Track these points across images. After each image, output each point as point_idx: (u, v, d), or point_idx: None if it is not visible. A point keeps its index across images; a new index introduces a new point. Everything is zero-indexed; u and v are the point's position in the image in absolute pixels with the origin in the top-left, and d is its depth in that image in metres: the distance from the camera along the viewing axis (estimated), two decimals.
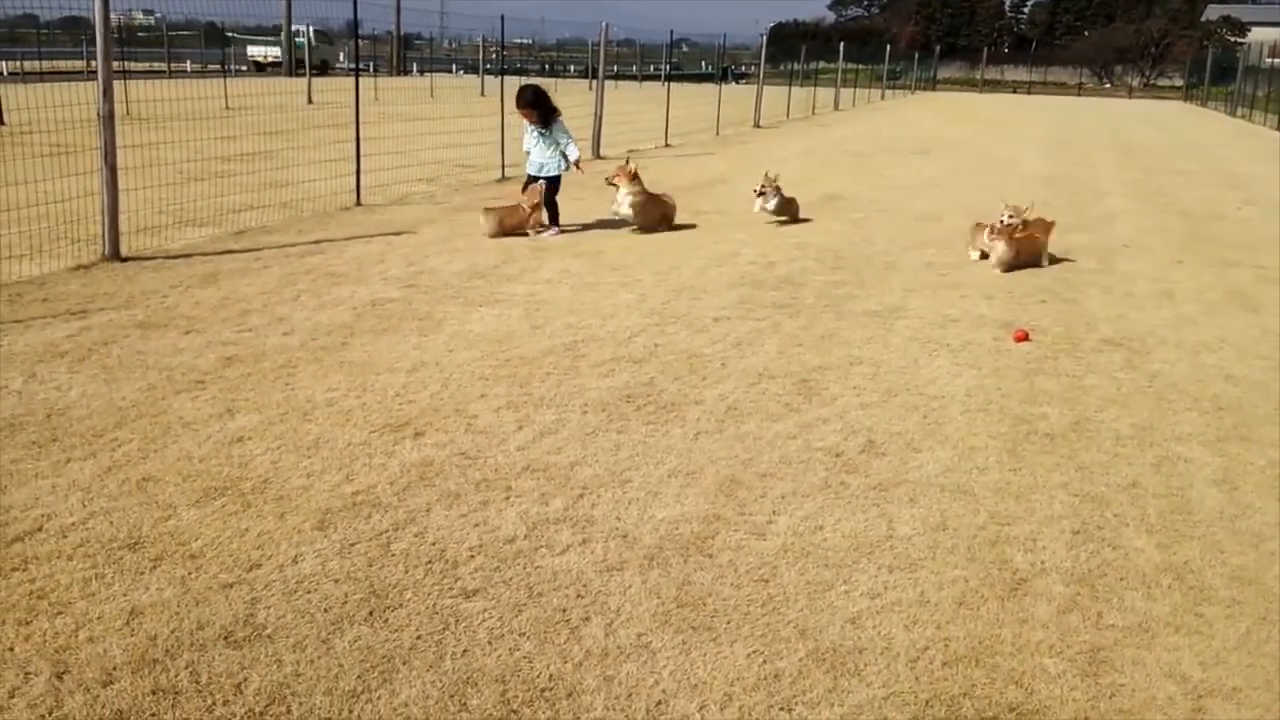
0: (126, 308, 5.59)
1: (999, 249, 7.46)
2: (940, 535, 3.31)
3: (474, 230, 8.16)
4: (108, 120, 6.66)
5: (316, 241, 7.39)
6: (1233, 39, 67.30)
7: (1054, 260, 7.80)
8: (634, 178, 8.25)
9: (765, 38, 24.57)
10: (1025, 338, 5.62)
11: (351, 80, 9.73)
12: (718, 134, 19.14)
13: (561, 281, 6.55)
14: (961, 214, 10.23)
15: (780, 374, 4.90)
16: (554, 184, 8.51)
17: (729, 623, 2.77)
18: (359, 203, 9.09)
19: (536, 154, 8.46)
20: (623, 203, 8.19)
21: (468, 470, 3.70)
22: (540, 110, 8.35)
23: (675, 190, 11.14)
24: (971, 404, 4.58)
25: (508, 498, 3.50)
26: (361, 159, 9.30)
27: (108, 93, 6.65)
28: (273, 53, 41.45)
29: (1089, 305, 6.33)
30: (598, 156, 14.00)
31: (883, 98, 41.15)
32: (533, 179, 8.49)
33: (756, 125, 21.79)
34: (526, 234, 8.14)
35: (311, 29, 37.48)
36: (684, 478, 3.70)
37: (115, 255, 6.70)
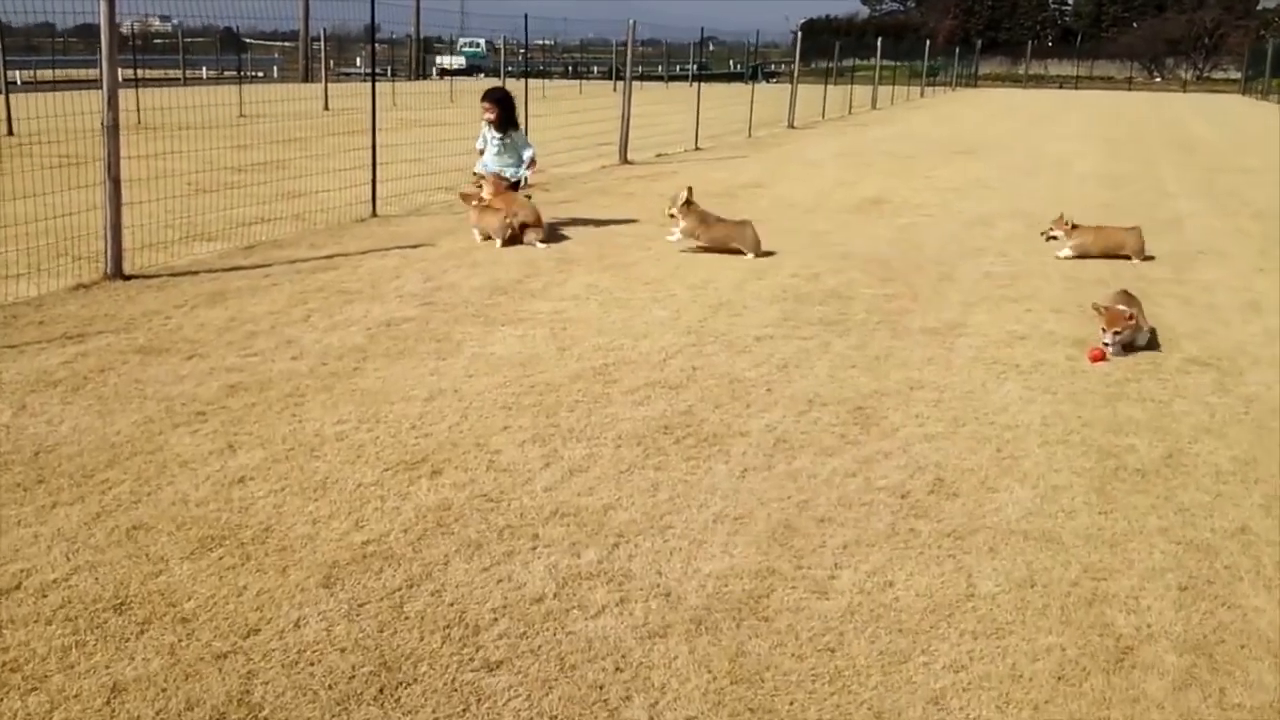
0: (126, 331, 5.41)
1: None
2: (1028, 593, 3.01)
3: (494, 244, 7.94)
4: (111, 131, 6.51)
5: (329, 256, 7.20)
6: None
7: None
8: (690, 206, 7.80)
9: (799, 34, 24.27)
10: (1102, 357, 5.29)
11: (368, 85, 9.57)
12: (750, 136, 18.87)
13: (589, 297, 6.30)
14: (1015, 218, 9.89)
15: (833, 400, 4.61)
16: (515, 189, 8.46)
17: (793, 703, 2.49)
18: (374, 214, 8.91)
19: (489, 157, 8.44)
20: (681, 236, 7.80)
21: (489, 515, 3.45)
22: (502, 111, 8.38)
23: (708, 197, 10.88)
24: (1050, 435, 4.27)
25: (534, 548, 3.24)
26: (377, 168, 9.13)
27: (112, 102, 6.50)
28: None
29: (1169, 319, 5.99)
30: (625, 161, 13.77)
31: (922, 95, 40.69)
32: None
33: (791, 126, 21.49)
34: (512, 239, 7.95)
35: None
36: (731, 523, 3.43)
37: (118, 273, 6.53)
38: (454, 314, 5.82)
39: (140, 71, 31.17)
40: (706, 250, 7.70)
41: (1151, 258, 7.98)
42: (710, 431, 4.21)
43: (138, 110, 16.34)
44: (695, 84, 18.61)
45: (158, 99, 16.64)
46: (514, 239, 7.80)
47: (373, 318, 5.68)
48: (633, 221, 9.18)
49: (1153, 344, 5.53)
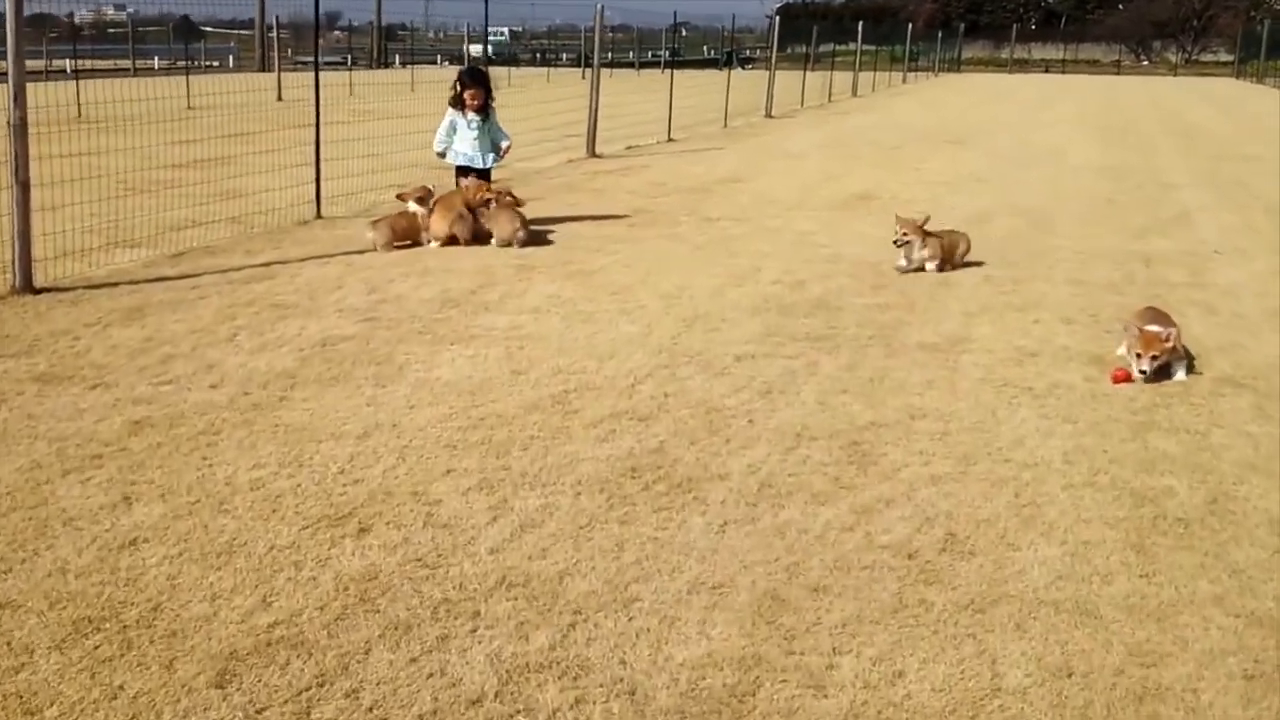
0: (27, 355, 4.90)
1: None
2: (1065, 686, 2.58)
3: (449, 247, 7.46)
4: (19, 130, 5.98)
5: (265, 264, 6.69)
6: None
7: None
8: (922, 230, 7.03)
9: (777, 19, 23.85)
10: (1126, 378, 4.89)
11: (331, 75, 9.05)
12: (726, 126, 18.44)
13: (550, 310, 5.84)
14: (1013, 214, 9.52)
15: (824, 434, 4.19)
16: (485, 178, 8.12)
17: None
18: (319, 215, 8.39)
19: (467, 145, 8.03)
20: (918, 260, 7.03)
21: (423, 586, 2.99)
22: (487, 93, 8.07)
23: (683, 193, 10.48)
24: (1074, 475, 3.86)
25: (474, 629, 2.79)
26: (323, 165, 8.61)
27: (19, 99, 5.97)
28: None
29: (1194, 330, 5.60)
30: (593, 154, 13.30)
31: (904, 81, 40.41)
32: (464, 172, 8.01)
33: (768, 115, 21.08)
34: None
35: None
36: (709, 594, 2.99)
37: (27, 287, 6.01)
38: (398, 331, 5.34)
39: (89, 62, 30.36)
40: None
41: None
42: (684, 474, 3.77)
43: (79, 104, 15.68)
44: (668, 71, 18.15)
45: (102, 91, 15.99)
46: (481, 238, 7.46)
47: (307, 336, 5.19)
48: (601, 219, 8.72)
49: (1190, 369, 5.11)
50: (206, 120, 14.60)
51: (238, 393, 4.39)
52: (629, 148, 14.47)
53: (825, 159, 13.77)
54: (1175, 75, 58.91)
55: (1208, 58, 69.58)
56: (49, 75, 22.46)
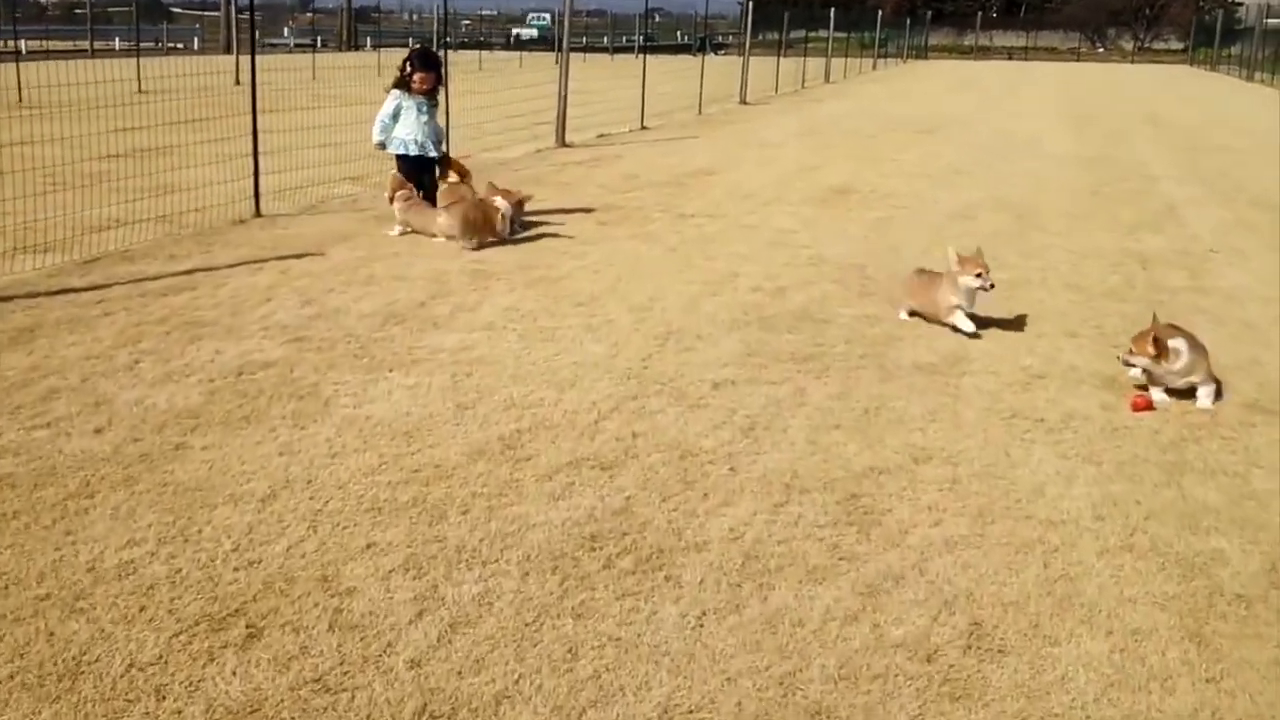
0: None
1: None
2: None
3: (399, 248, 6.69)
4: None
5: (188, 272, 5.88)
6: (1231, 0, 66.41)
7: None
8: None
9: (750, 4, 23.05)
10: (1147, 406, 4.24)
11: (299, 57, 8.20)
12: (700, 113, 17.67)
13: (506, 326, 5.10)
14: (998, 209, 8.87)
15: (816, 484, 3.50)
16: (434, 167, 7.46)
17: None
18: (258, 212, 7.57)
19: (413, 131, 7.23)
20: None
21: None
22: (437, 75, 7.38)
23: (656, 186, 9.73)
24: (1108, 536, 3.19)
25: None
26: (266, 158, 7.78)
27: None
28: (530, 32, 54.33)
29: (1206, 345, 4.96)
30: (563, 144, 12.49)
31: (874, 68, 39.74)
32: (408, 161, 7.27)
33: (743, 102, 20.32)
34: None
35: (548, 15, 55.85)
36: None
37: None
38: (329, 355, 4.59)
39: (46, 43, 28.99)
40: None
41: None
42: (655, 544, 3.07)
43: (19, 87, 14.68)
44: (642, 56, 17.33)
45: (49, 74, 14.96)
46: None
47: (221, 363, 4.43)
48: (569, 215, 7.97)
49: (1219, 394, 4.46)
50: (156, 106, 13.63)
51: (126, 439, 3.63)
52: (600, 136, 13.67)
53: (801, 149, 13.04)
54: (1132, 61, 58.75)
55: (1159, 45, 69.85)
56: (16, 56, 21.26)
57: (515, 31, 57.87)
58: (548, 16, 58.42)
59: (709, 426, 3.95)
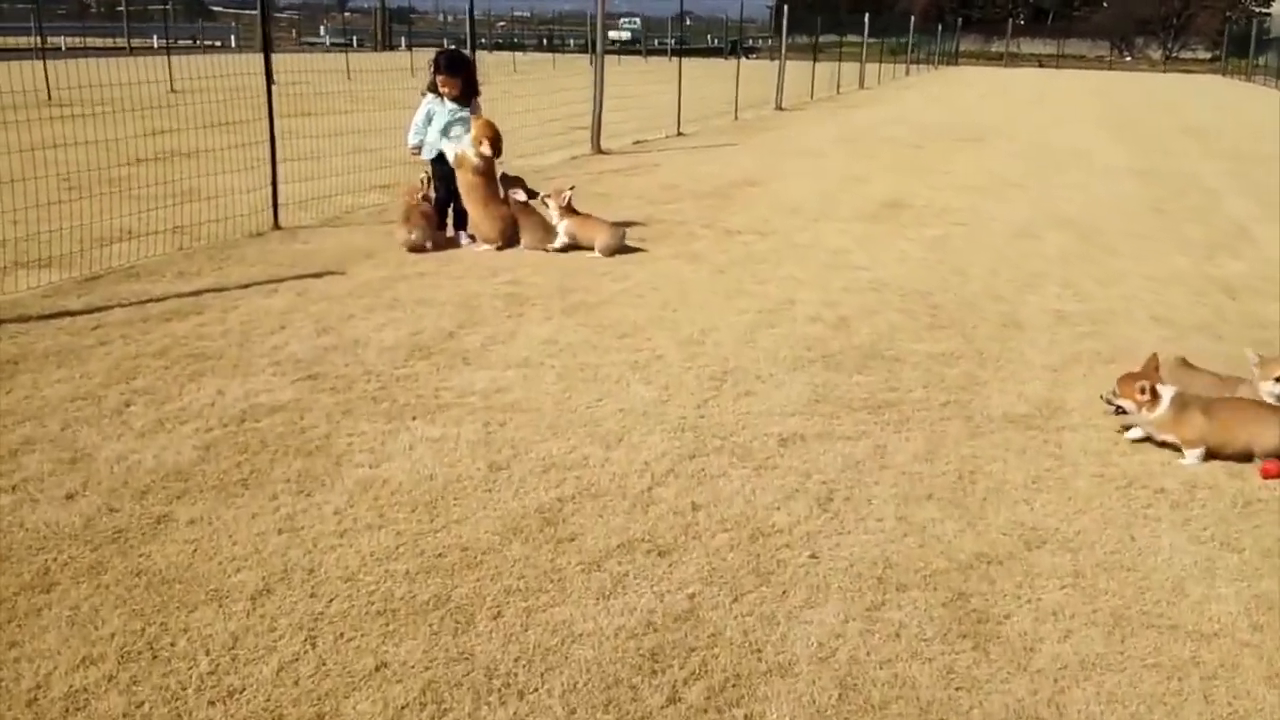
0: None
1: None
2: None
3: (425, 267, 6.08)
4: None
5: (196, 293, 5.28)
6: (1257, 9, 64.80)
7: None
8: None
9: (785, 8, 22.29)
10: (1279, 473, 3.58)
11: (334, 57, 7.63)
12: (736, 119, 16.97)
13: (544, 362, 4.47)
14: (1061, 227, 8.14)
15: (915, 577, 2.84)
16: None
17: None
18: (276, 225, 6.97)
19: (445, 138, 6.73)
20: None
21: None
22: (465, 80, 6.77)
23: (697, 197, 9.07)
24: (1272, 653, 2.53)
25: None
26: (284, 165, 7.19)
27: None
28: (623, 35, 53.74)
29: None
30: (599, 150, 11.84)
31: (907, 73, 38.80)
32: (442, 164, 6.76)
33: (779, 108, 19.58)
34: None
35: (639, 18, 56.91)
36: None
37: None
38: (345, 397, 3.98)
39: (83, 40, 28.66)
40: None
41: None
42: (729, 666, 2.43)
43: (48, 87, 14.22)
44: (678, 61, 16.63)
45: (81, 73, 14.53)
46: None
47: (223, 406, 3.83)
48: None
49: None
50: (187, 108, 13.17)
51: (100, 508, 3.03)
52: (637, 142, 13.01)
53: (844, 158, 12.32)
54: (1165, 71, 57.34)
55: (1186, 55, 68.44)
56: (43, 53, 20.91)
57: (610, 35, 60.73)
58: (638, 20, 59.69)
59: (780, 496, 3.31)
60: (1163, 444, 3.80)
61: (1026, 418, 4.07)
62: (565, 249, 6.54)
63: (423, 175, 6.84)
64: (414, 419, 3.79)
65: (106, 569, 2.72)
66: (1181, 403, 3.73)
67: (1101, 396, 4.00)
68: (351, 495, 3.18)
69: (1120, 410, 3.86)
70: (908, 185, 10.12)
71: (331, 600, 2.62)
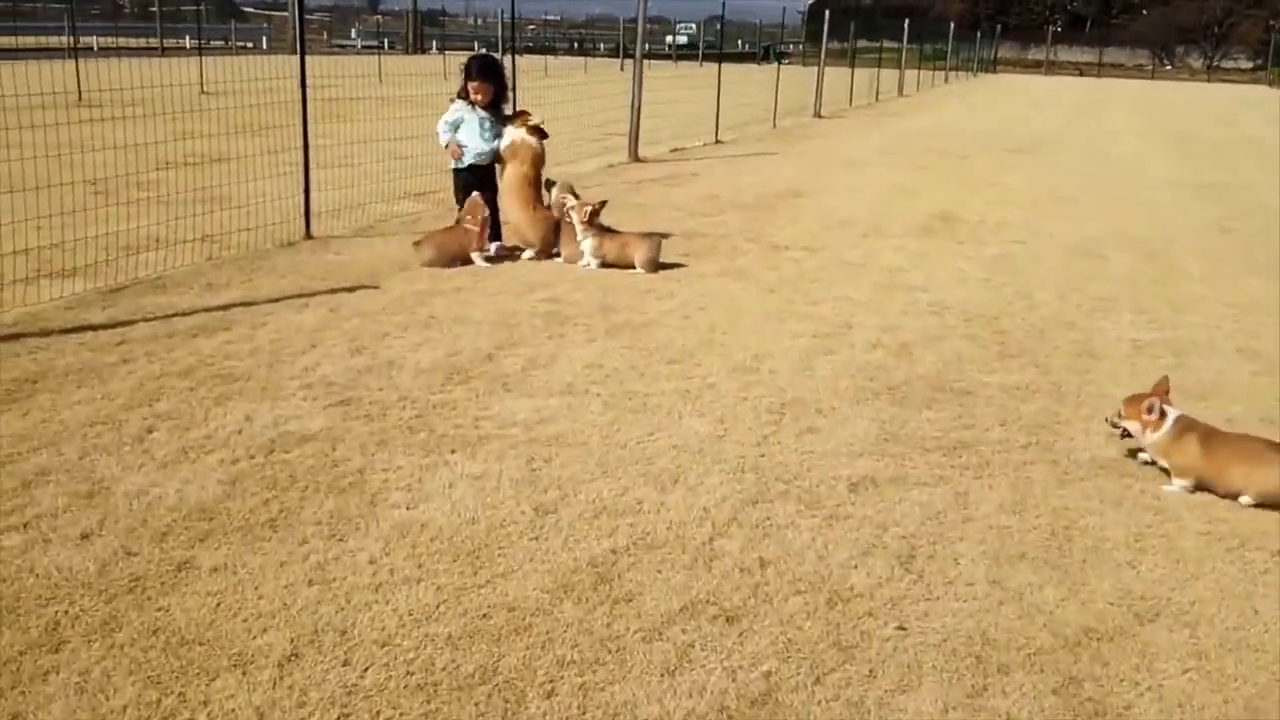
0: None
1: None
2: None
3: (461, 282, 5.83)
4: None
5: (224, 307, 5.07)
6: None
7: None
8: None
9: (827, 13, 21.96)
10: None
11: (365, 60, 7.44)
12: (775, 126, 16.67)
13: (589, 389, 4.21)
14: (1126, 246, 7.79)
15: (1018, 656, 2.54)
16: (493, 177, 6.69)
17: None
18: (309, 234, 6.77)
19: (475, 141, 6.55)
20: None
21: None
22: (498, 86, 6.61)
23: (740, 209, 8.79)
24: None
25: None
26: (315, 172, 6.98)
27: None
28: (681, 39, 55.05)
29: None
30: (636, 159, 11.59)
31: (946, 81, 38.31)
32: (470, 173, 6.55)
33: (817, 115, 19.28)
34: (471, 261, 6.29)
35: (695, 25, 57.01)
36: None
37: None
38: (380, 425, 3.74)
39: (116, 40, 28.78)
40: None
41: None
42: None
43: (79, 87, 14.14)
44: (706, 65, 16.37)
45: (112, 74, 14.49)
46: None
47: (250, 434, 3.59)
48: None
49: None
50: (217, 111, 13.07)
51: (117, 552, 2.80)
52: (674, 150, 12.75)
53: (889, 169, 11.99)
54: (1209, 80, 56.39)
55: (1228, 64, 67.33)
56: (75, 53, 20.97)
57: (669, 39, 59.31)
58: (694, 26, 60.35)
59: (856, 552, 3.02)
60: (1165, 470, 3.62)
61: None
62: (602, 265, 6.27)
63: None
64: (453, 452, 3.54)
65: (121, 625, 2.48)
66: (1183, 427, 3.56)
67: (1106, 419, 3.87)
68: (387, 541, 2.93)
69: (1126, 434, 3.70)
70: (959, 198, 9.78)
71: (366, 669, 2.37)
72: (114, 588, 2.63)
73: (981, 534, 3.18)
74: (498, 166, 6.68)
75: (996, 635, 2.65)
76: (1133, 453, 3.78)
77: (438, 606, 2.63)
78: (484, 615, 2.61)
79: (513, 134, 6.55)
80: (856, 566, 2.94)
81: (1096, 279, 6.70)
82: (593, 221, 6.25)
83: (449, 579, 2.76)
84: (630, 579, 2.82)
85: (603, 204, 6.39)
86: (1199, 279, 6.86)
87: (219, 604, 2.59)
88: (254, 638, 2.46)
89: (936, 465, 3.66)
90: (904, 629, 2.65)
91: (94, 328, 4.62)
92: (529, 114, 6.75)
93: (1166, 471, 3.63)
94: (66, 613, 2.52)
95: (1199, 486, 3.53)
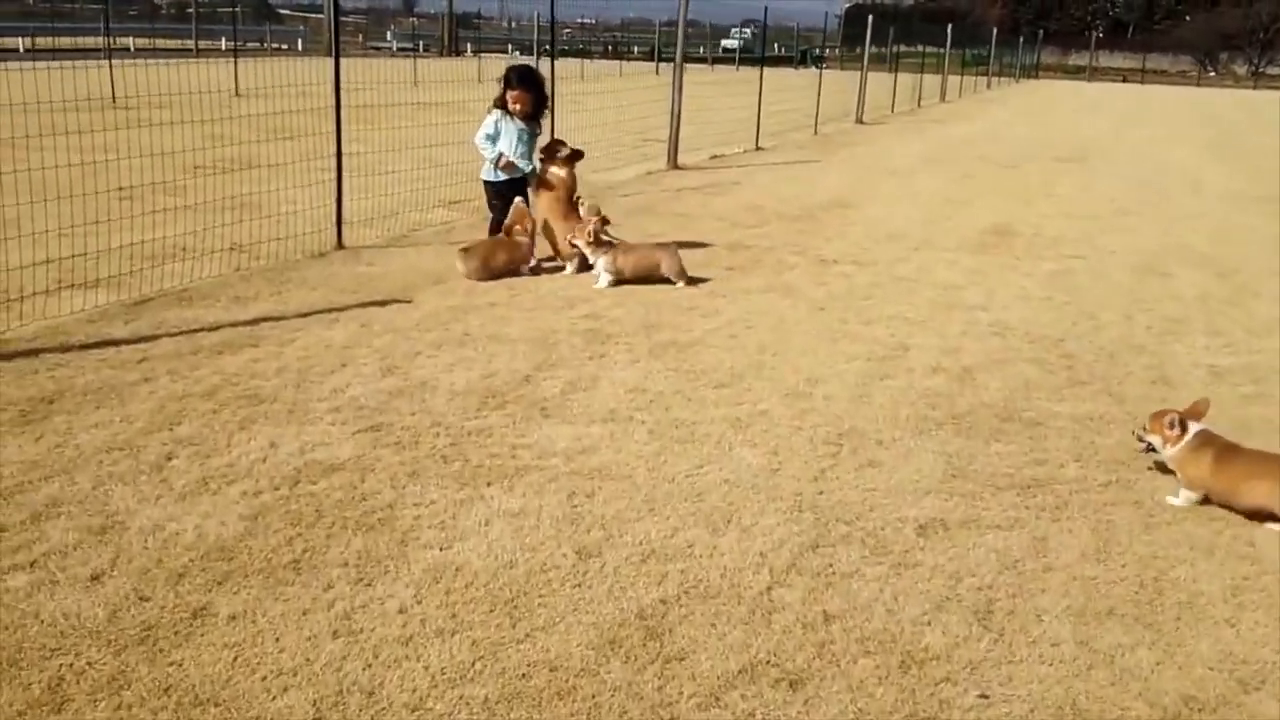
0: None
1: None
2: None
3: (496, 298, 5.65)
4: None
5: (252, 321, 4.91)
6: None
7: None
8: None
9: (870, 18, 21.65)
10: None
11: (400, 63, 7.31)
12: (816, 133, 16.40)
13: (632, 415, 4.00)
14: (1192, 263, 7.45)
15: None
16: (525, 189, 6.51)
17: None
18: (340, 244, 6.62)
19: (511, 153, 6.42)
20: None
21: None
22: (537, 96, 6.45)
23: (785, 220, 8.55)
24: None
25: None
26: (348, 179, 6.82)
27: None
28: (734, 43, 54.98)
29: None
30: (675, 166, 11.38)
31: (989, 87, 37.77)
32: (508, 186, 6.40)
33: (859, 121, 18.97)
34: (518, 273, 6.17)
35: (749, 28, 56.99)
36: None
37: None
38: (412, 454, 3.54)
39: (153, 41, 29.09)
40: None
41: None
42: None
43: (112, 89, 14.19)
44: (744, 70, 16.14)
45: (146, 77, 14.51)
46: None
47: (276, 463, 3.42)
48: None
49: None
50: (250, 116, 13.03)
51: (129, 595, 2.62)
52: (714, 157, 12.54)
53: (937, 179, 11.69)
54: (1254, 88, 55.24)
55: (1274, 70, 65.97)
56: (109, 54, 21.12)
57: (724, 43, 59.56)
58: (749, 30, 60.69)
59: (929, 606, 2.78)
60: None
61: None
62: (619, 283, 5.96)
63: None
64: (489, 485, 3.33)
65: (130, 681, 2.30)
66: (1201, 441, 3.49)
67: (1133, 432, 3.79)
68: (419, 587, 2.74)
69: (1150, 448, 3.64)
70: (1012, 210, 9.47)
71: None
72: (124, 637, 2.45)
73: (1064, 585, 2.92)
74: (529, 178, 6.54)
75: (1088, 705, 2.40)
76: (1162, 467, 3.65)
77: (473, 664, 2.43)
78: (523, 675, 2.40)
79: (543, 167, 6.44)
80: (930, 623, 2.70)
81: (1164, 299, 6.39)
82: (599, 239, 5.99)
83: (485, 632, 2.56)
84: (682, 634, 2.60)
85: (604, 220, 6.05)
86: (1272, 300, 6.51)
87: (236, 658, 2.40)
88: (273, 698, 2.27)
89: (1010, 506, 3.41)
90: (986, 697, 2.41)
91: (115, 343, 4.47)
92: (563, 144, 6.53)
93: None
94: (72, 666, 2.34)
95: (1209, 500, 3.46)
